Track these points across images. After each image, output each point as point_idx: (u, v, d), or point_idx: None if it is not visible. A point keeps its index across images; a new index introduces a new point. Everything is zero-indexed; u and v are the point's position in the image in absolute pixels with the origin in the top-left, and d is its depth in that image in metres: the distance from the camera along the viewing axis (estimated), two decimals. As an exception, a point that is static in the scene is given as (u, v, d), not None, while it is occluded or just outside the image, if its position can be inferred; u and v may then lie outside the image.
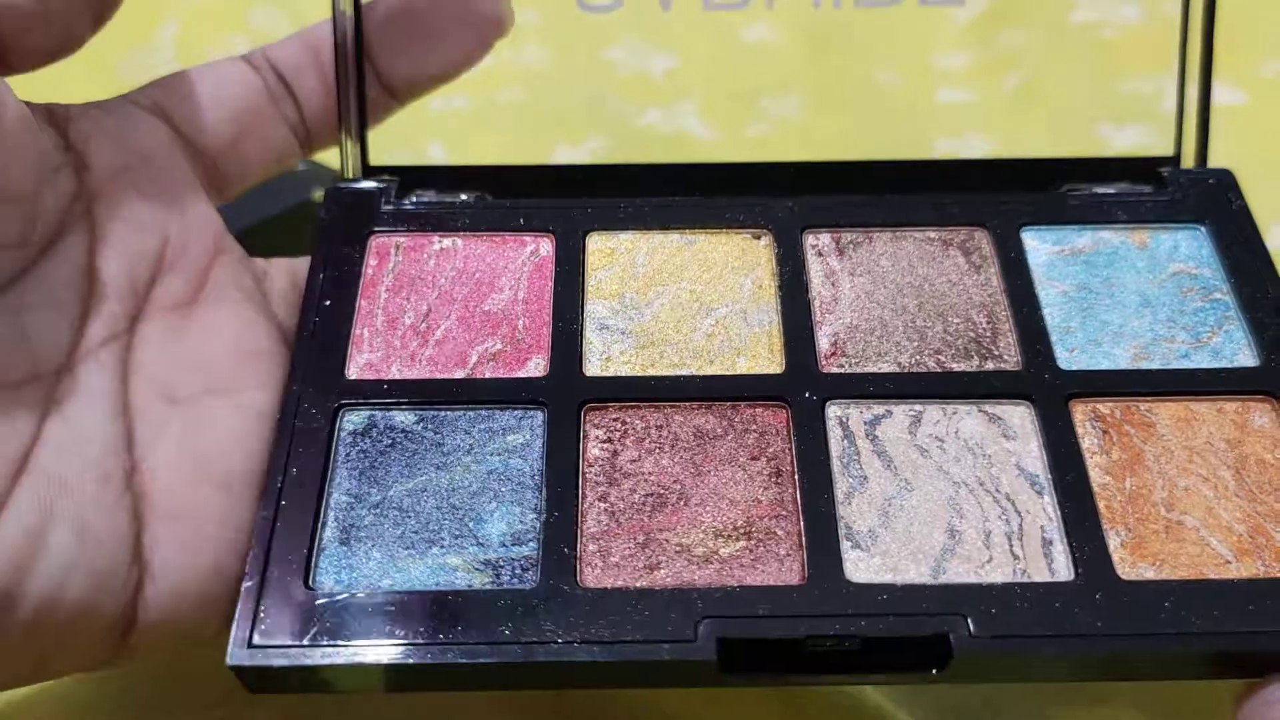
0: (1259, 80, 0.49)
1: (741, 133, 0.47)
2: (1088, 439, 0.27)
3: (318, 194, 0.44)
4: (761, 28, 0.51)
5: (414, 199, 0.32)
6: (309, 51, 0.31)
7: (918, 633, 0.24)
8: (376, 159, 0.32)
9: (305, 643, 0.24)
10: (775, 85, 0.49)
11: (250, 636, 0.24)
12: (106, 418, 0.26)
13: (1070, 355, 0.29)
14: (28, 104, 0.27)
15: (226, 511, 0.26)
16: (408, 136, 0.49)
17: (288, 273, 0.31)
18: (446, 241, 0.31)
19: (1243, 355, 0.28)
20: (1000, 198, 0.31)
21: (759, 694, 0.33)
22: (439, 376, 0.28)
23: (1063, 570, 0.25)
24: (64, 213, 0.27)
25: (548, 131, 0.47)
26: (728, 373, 0.28)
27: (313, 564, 0.25)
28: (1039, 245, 0.31)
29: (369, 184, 0.32)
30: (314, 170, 0.46)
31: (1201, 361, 0.28)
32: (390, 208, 0.31)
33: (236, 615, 0.24)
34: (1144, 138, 0.46)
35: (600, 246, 0.31)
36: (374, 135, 0.32)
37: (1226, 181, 0.32)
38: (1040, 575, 0.25)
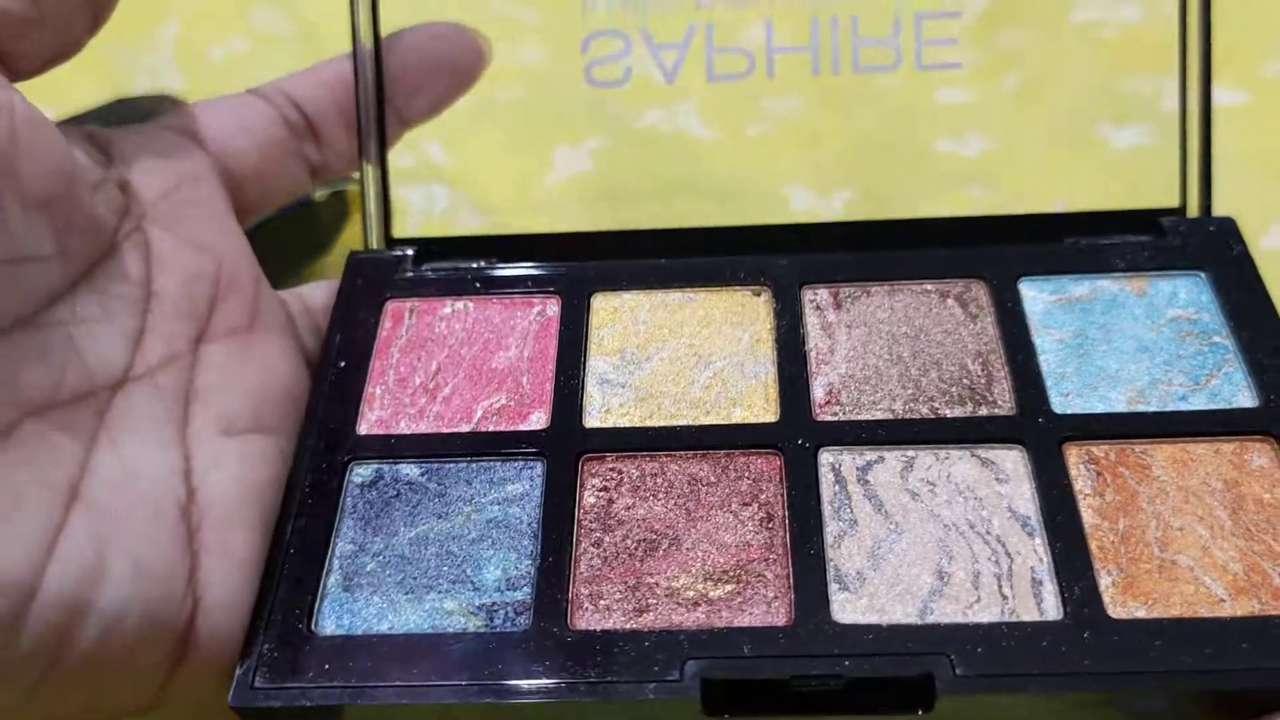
0: (1259, 80, 0.48)
1: (742, 133, 0.47)
2: (1080, 480, 0.27)
3: (319, 194, 0.44)
4: (761, 28, 0.51)
5: (429, 268, 0.33)
6: (327, 90, 0.32)
7: (902, 673, 0.24)
8: (398, 228, 0.34)
9: (305, 684, 0.25)
10: (775, 85, 0.50)
11: (253, 678, 0.25)
12: (162, 445, 0.26)
13: (1065, 400, 0.29)
14: (64, 123, 0.27)
15: (262, 553, 0.27)
16: (407, 136, 0.50)
17: (296, 298, 0.32)
18: (458, 304, 0.32)
19: (1241, 396, 0.28)
20: (999, 250, 0.32)
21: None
22: (445, 431, 0.29)
23: (1052, 610, 0.25)
24: (114, 229, 0.27)
25: (547, 131, 0.47)
26: (723, 422, 0.29)
27: (315, 608, 0.26)
28: (1036, 295, 0.31)
29: (388, 253, 0.33)
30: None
31: (1199, 404, 0.28)
32: (407, 275, 0.33)
33: (240, 657, 0.25)
34: (1143, 138, 0.45)
35: (604, 305, 0.32)
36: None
37: (1227, 228, 0.32)
38: (1029, 615, 0.25)
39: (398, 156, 0.49)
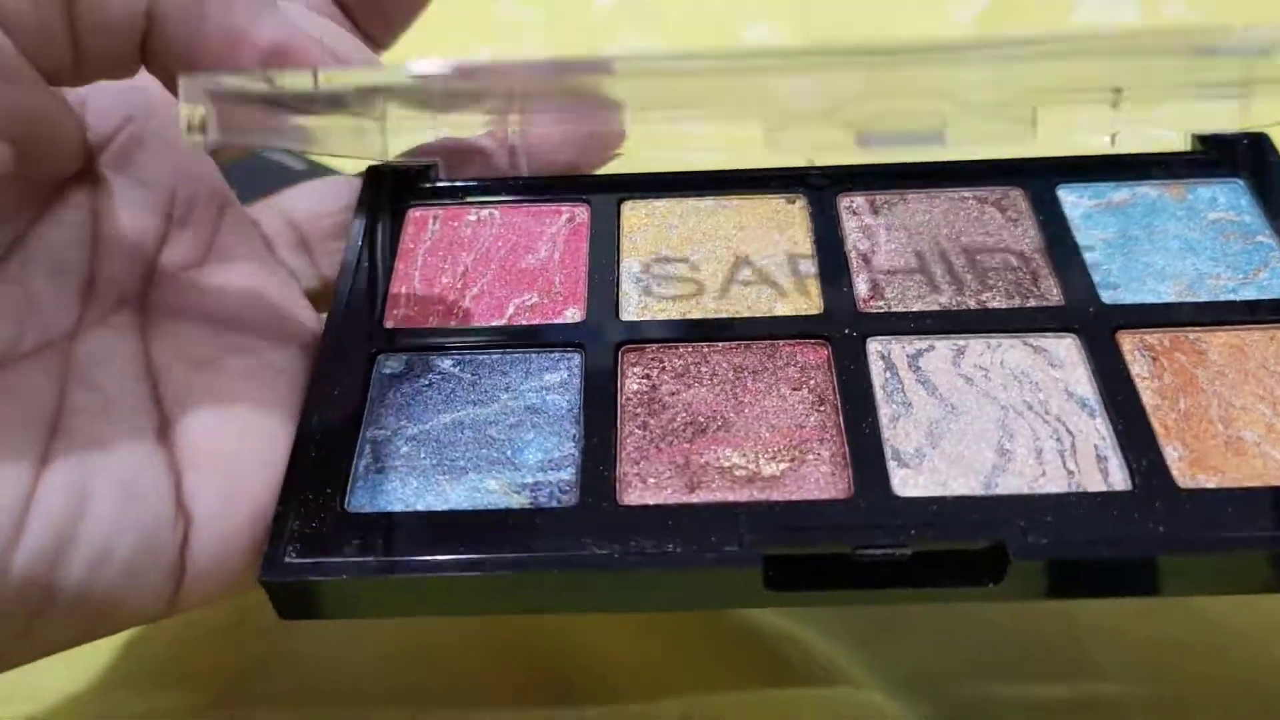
0: None
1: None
2: (1136, 365, 0.26)
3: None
4: (762, 27, 0.51)
5: (451, 179, 0.32)
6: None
7: (972, 543, 0.23)
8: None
9: (340, 559, 0.23)
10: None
11: (283, 554, 0.23)
12: (130, 379, 0.26)
13: (1115, 293, 0.28)
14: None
15: (262, 454, 0.26)
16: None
17: (277, 212, 0.31)
18: (484, 212, 0.31)
19: (1292, 288, 0.28)
20: (1034, 160, 0.31)
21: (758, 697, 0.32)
22: (477, 324, 0.28)
23: (1119, 481, 0.24)
24: (61, 177, 0.26)
25: None
26: (764, 310, 0.28)
27: (348, 488, 0.25)
28: (1076, 200, 0.31)
29: (407, 162, 0.32)
30: (314, 170, 0.46)
31: (1249, 295, 0.28)
32: (428, 185, 0.32)
33: (269, 536, 0.24)
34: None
35: (635, 212, 0.31)
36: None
37: (1263, 142, 0.32)
38: (1096, 486, 0.24)
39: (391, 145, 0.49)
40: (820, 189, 0.31)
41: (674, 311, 0.28)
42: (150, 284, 0.27)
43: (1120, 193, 0.31)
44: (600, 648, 0.33)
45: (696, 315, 0.28)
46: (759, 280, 0.29)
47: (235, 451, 0.25)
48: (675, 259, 0.30)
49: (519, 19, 0.52)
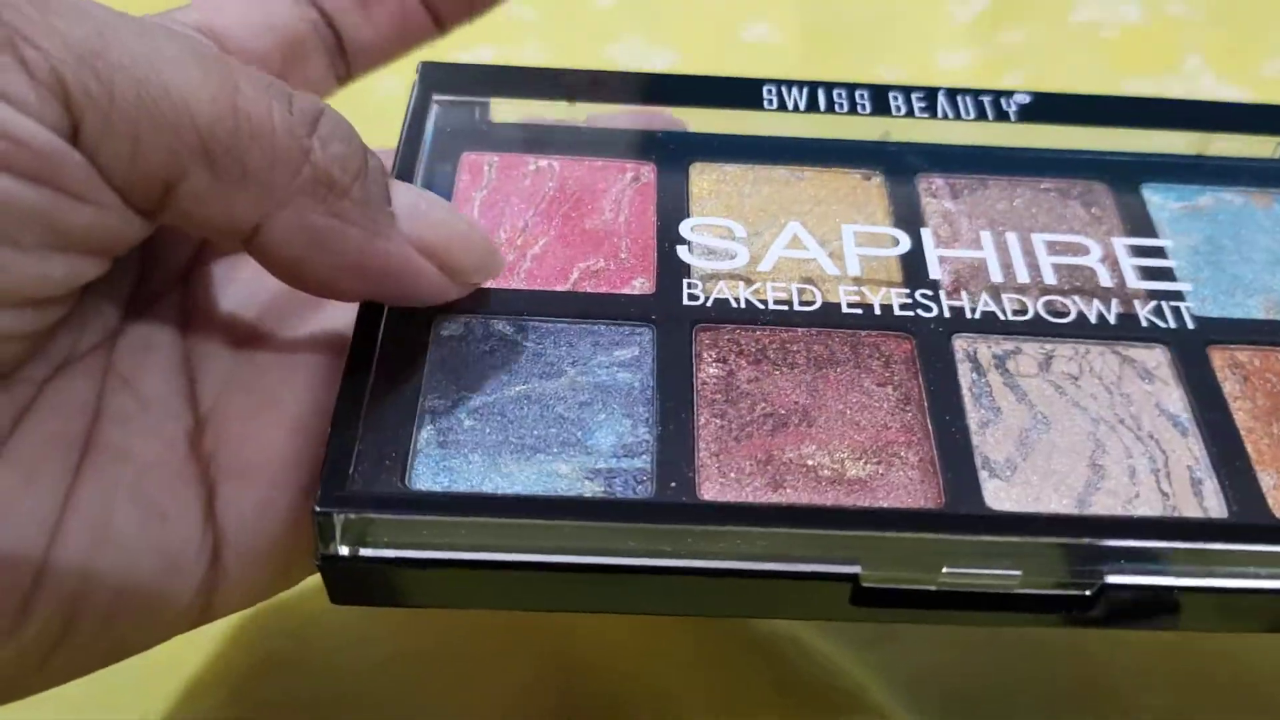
0: (1260, 80, 0.48)
1: None
2: (1229, 384, 0.26)
3: None
4: (762, 27, 0.50)
5: (505, 124, 0.30)
6: None
7: (1077, 587, 0.22)
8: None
9: (403, 548, 0.22)
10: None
11: (338, 536, 0.22)
12: (168, 374, 0.24)
13: (1202, 304, 0.27)
14: None
15: (298, 453, 0.24)
16: None
17: None
18: (542, 162, 0.29)
19: (1382, 312, 0.27)
20: (1119, 155, 0.30)
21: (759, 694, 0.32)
22: (539, 288, 0.26)
23: (1215, 508, 0.23)
24: None
25: None
26: (846, 300, 0.26)
27: (408, 464, 0.23)
28: (1161, 201, 0.29)
29: (462, 97, 0.30)
30: None
31: (1339, 316, 0.27)
32: (483, 127, 0.30)
33: (321, 489, 0.22)
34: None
35: (705, 176, 0.29)
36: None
37: None
38: (1192, 512, 0.23)
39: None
40: (899, 167, 0.29)
41: (748, 291, 0.27)
42: (195, 265, 0.26)
43: (1204, 197, 0.30)
44: (605, 652, 0.32)
45: (773, 296, 0.26)
46: (839, 262, 0.27)
47: (270, 457, 0.24)
48: (750, 233, 0.28)
49: (519, 18, 0.51)
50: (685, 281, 0.26)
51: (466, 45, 0.51)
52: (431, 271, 0.23)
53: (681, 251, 0.27)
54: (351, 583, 0.22)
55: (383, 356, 0.24)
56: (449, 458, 0.23)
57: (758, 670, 0.32)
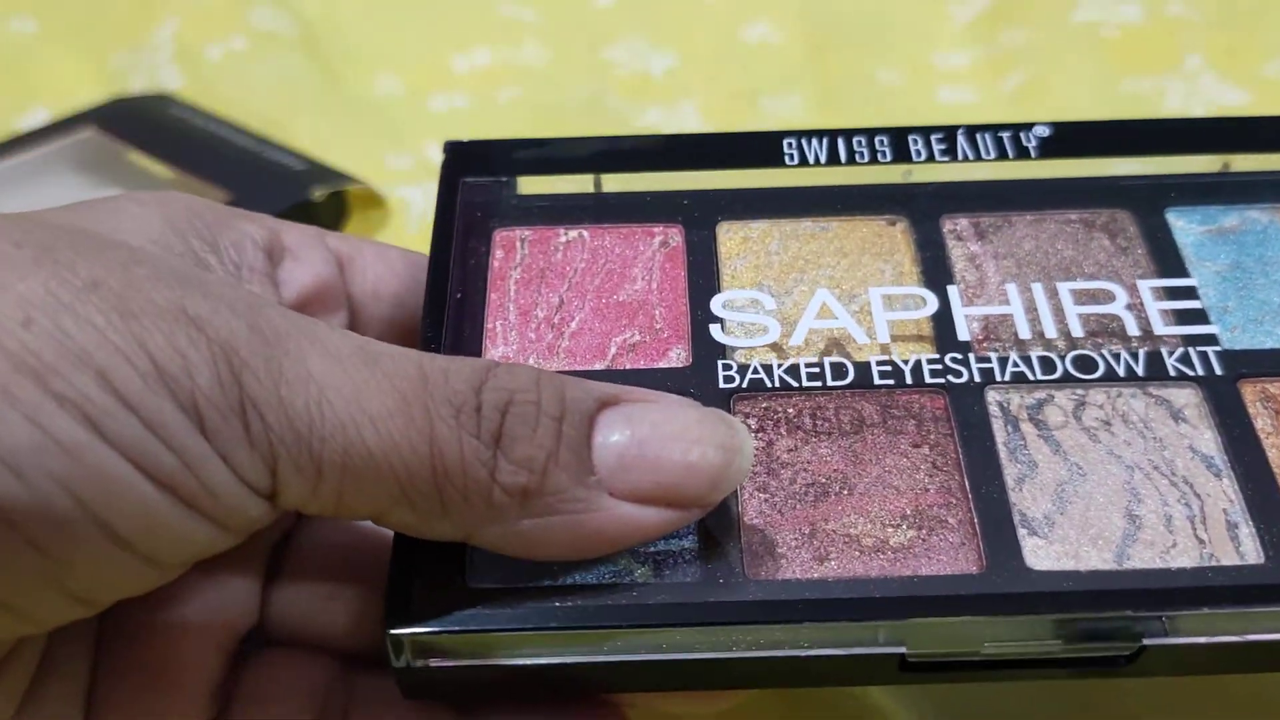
0: (1260, 80, 0.48)
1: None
2: (1260, 420, 0.26)
3: (317, 194, 0.44)
4: (762, 27, 0.50)
5: (535, 196, 0.31)
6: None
7: (1120, 647, 0.23)
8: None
9: (467, 660, 0.23)
10: (775, 84, 0.49)
11: (408, 645, 0.23)
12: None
13: (1233, 335, 0.27)
14: None
15: None
16: (406, 136, 0.48)
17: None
18: (573, 233, 0.30)
19: None
20: (1142, 179, 0.30)
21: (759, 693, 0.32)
22: (579, 368, 0.27)
23: (1251, 553, 0.24)
24: None
25: (547, 131, 0.47)
26: (879, 358, 0.27)
27: (467, 562, 0.24)
28: (1186, 225, 0.30)
29: (489, 178, 0.31)
30: (314, 170, 0.45)
31: (1369, 341, 0.27)
32: (513, 201, 0.30)
33: (389, 610, 0.23)
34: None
35: (732, 236, 0.30)
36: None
37: None
38: (1229, 559, 0.24)
39: (395, 159, 0.48)
40: (922, 211, 0.30)
41: (780, 367, 0.27)
42: None
43: (1230, 217, 0.30)
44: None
45: (806, 359, 0.27)
46: (868, 330, 0.28)
47: None
48: (779, 293, 0.28)
49: (519, 18, 0.51)
50: (720, 363, 0.27)
51: (464, 47, 0.50)
52: (656, 517, 0.22)
53: (715, 331, 0.27)
54: (422, 686, 0.23)
55: None
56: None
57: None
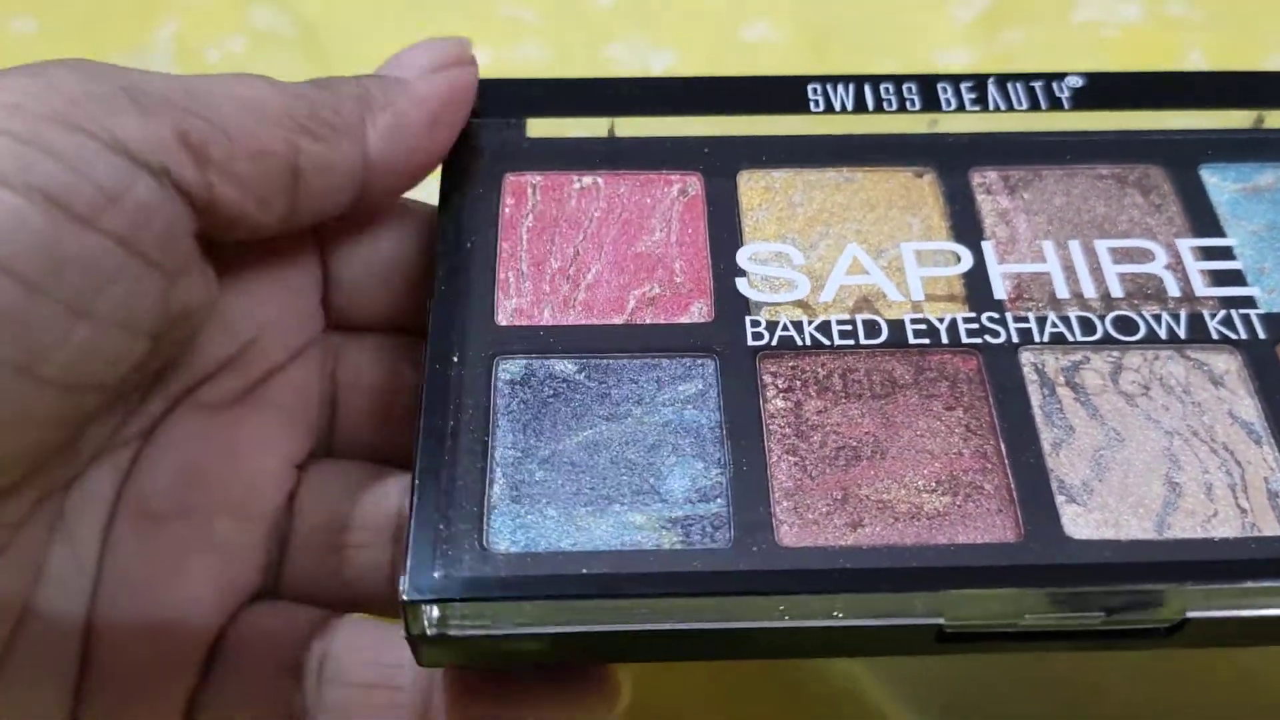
0: None
1: None
2: (1301, 385, 0.25)
3: None
4: (762, 27, 0.50)
5: (543, 140, 0.29)
6: None
7: (1159, 616, 0.22)
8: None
9: (487, 622, 0.22)
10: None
11: (425, 610, 0.22)
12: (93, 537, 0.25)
13: (1270, 297, 0.27)
14: None
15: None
16: None
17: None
18: (586, 180, 0.29)
19: None
20: (1175, 133, 0.29)
21: (759, 687, 0.32)
22: (596, 323, 0.26)
23: (1295, 525, 0.23)
24: None
25: None
26: (911, 316, 0.26)
27: (485, 524, 0.23)
28: (1220, 182, 0.29)
29: (498, 119, 0.29)
30: None
31: None
32: (524, 145, 0.29)
33: (408, 577, 0.22)
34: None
35: (753, 185, 0.29)
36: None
37: None
38: (1271, 529, 0.23)
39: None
40: (950, 162, 0.29)
41: (811, 325, 0.26)
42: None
43: (1265, 175, 0.29)
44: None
45: (837, 329, 0.26)
46: (901, 286, 0.27)
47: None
48: (805, 246, 0.27)
49: (519, 18, 0.51)
50: (748, 319, 0.26)
51: None
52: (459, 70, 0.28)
53: (741, 285, 0.26)
54: (440, 651, 0.22)
55: (452, 406, 0.24)
56: (524, 513, 0.23)
57: (759, 669, 0.33)
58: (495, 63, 0.49)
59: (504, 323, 0.26)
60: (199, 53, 0.49)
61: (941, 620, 0.22)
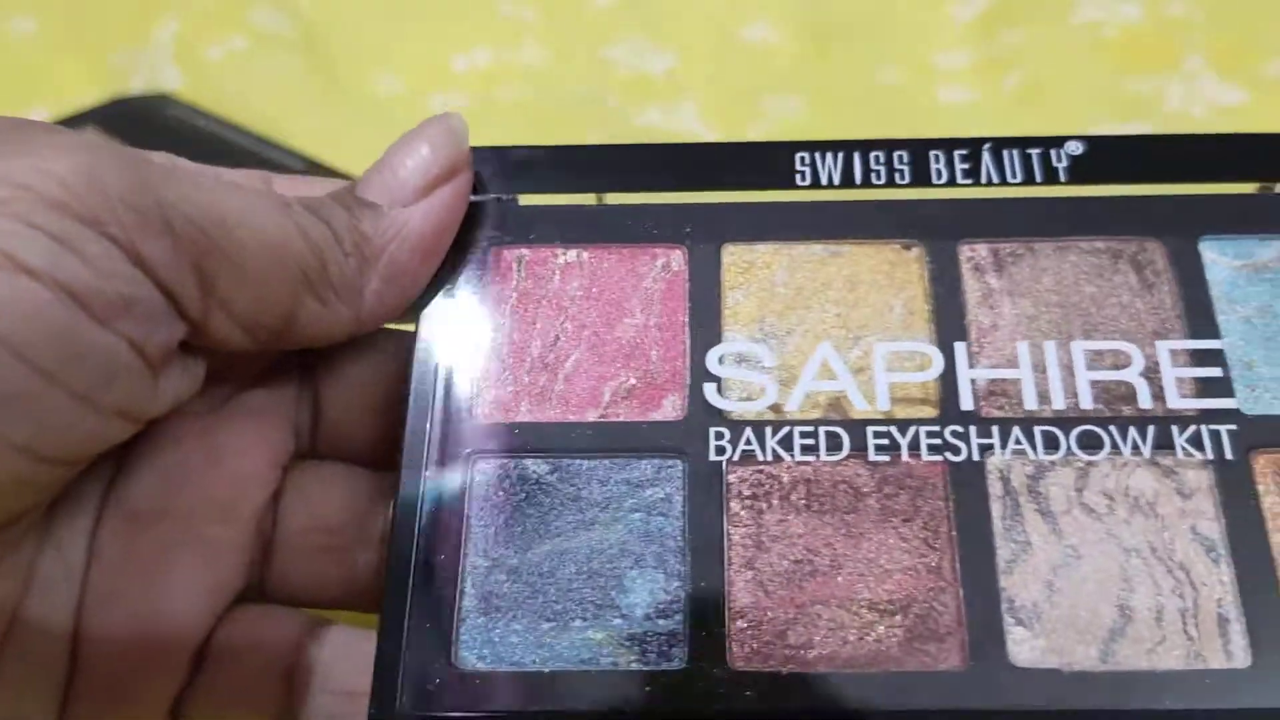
0: (1260, 80, 0.47)
1: (742, 132, 0.47)
2: (1270, 498, 0.25)
3: None
4: (762, 27, 0.50)
5: (535, 204, 0.29)
6: None
7: None
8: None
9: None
10: (775, 84, 0.49)
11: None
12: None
13: (1252, 395, 0.26)
14: None
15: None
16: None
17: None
18: (571, 254, 0.29)
19: None
20: (1176, 200, 0.28)
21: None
22: (571, 419, 0.27)
23: (1239, 652, 0.24)
24: None
25: (547, 131, 0.46)
26: (878, 417, 0.26)
27: (455, 637, 0.24)
28: (1219, 259, 0.28)
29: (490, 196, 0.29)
30: (314, 170, 0.45)
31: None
32: (511, 209, 0.29)
33: (376, 692, 0.24)
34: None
35: (736, 261, 0.29)
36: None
37: None
38: (1215, 661, 0.24)
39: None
40: (941, 232, 0.28)
41: (774, 438, 0.26)
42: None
43: (1268, 250, 0.28)
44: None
45: (802, 427, 0.26)
46: (867, 394, 0.27)
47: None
48: (780, 333, 0.27)
49: (518, 18, 0.50)
50: (713, 430, 0.26)
51: (464, 47, 0.50)
52: (447, 191, 0.27)
53: (710, 392, 0.27)
54: None
55: (428, 505, 0.25)
56: (492, 626, 0.25)
57: None
58: (495, 63, 0.49)
59: (483, 418, 0.27)
60: (199, 52, 0.50)
61: None
